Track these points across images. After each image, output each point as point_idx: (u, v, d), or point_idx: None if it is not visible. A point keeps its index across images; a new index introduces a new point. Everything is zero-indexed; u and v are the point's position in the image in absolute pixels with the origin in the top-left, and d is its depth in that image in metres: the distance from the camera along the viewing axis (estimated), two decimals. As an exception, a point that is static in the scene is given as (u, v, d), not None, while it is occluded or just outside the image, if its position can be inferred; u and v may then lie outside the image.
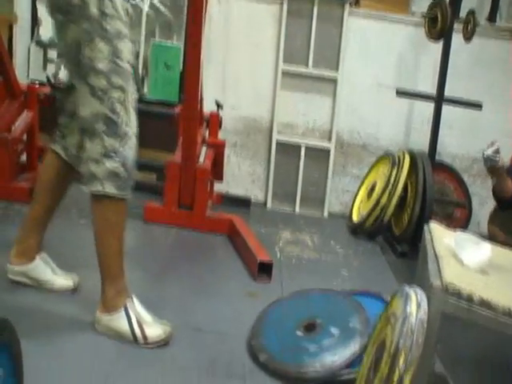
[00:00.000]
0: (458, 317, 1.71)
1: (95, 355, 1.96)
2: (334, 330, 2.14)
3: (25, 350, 1.40)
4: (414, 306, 1.66)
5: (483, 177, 4.33)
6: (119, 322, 2.04)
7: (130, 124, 2.02)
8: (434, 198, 3.69)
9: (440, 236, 2.13)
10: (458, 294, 1.69)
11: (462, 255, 1.92)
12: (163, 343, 2.05)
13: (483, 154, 2.74)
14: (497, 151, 2.71)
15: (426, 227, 2.28)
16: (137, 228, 3.24)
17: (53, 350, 1.95)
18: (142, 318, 2.06)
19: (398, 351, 1.57)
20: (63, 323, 2.12)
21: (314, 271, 3.05)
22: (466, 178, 4.26)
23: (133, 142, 2.04)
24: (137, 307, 2.08)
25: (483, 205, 4.31)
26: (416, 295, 1.70)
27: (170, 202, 3.30)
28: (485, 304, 1.68)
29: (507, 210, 3.01)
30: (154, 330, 2.05)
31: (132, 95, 2.01)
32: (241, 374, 1.99)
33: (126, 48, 1.97)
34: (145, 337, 2.03)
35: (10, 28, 4.78)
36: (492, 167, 2.75)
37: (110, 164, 1.98)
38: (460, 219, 4.16)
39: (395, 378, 1.54)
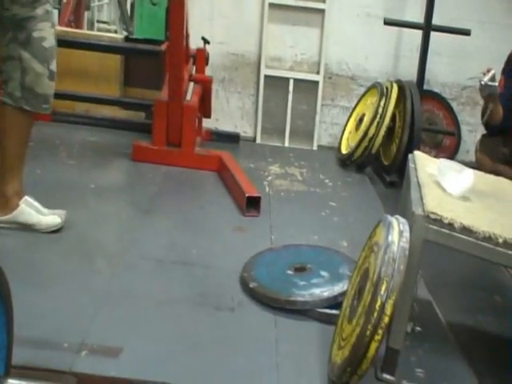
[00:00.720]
0: (439, 244, 1.74)
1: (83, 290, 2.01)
2: (324, 273, 2.18)
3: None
4: (396, 234, 1.69)
5: (472, 105, 4.32)
6: (22, 216, 2.31)
7: None
8: (423, 127, 3.70)
9: (423, 164, 2.15)
10: (439, 221, 1.72)
11: (444, 183, 1.94)
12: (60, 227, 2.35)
13: (480, 82, 2.69)
14: (493, 78, 2.67)
15: (410, 156, 2.29)
16: (125, 166, 3.26)
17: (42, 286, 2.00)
18: (39, 211, 2.34)
19: (380, 279, 1.61)
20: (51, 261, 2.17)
21: (302, 203, 3.08)
22: (455, 106, 4.25)
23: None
24: (33, 202, 2.34)
25: (472, 133, 4.31)
26: (398, 224, 1.73)
27: (157, 140, 3.30)
28: (466, 230, 1.71)
29: (495, 137, 3.01)
30: (52, 218, 2.35)
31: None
32: (229, 305, 2.04)
33: None
34: (46, 224, 2.34)
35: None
36: (491, 94, 2.71)
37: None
38: (449, 147, 4.18)
39: (377, 306, 1.58)
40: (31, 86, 2.23)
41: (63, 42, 3.71)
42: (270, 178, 3.38)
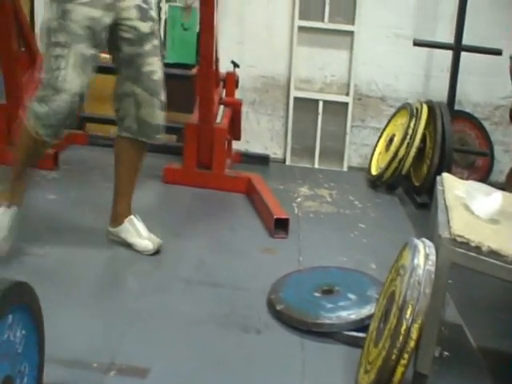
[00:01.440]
0: (466, 267, 1.72)
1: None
2: (352, 296, 2.18)
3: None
4: (422, 257, 1.69)
5: (505, 124, 4.27)
6: (124, 233, 2.52)
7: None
8: (454, 147, 3.67)
9: (452, 186, 2.13)
10: (466, 245, 1.70)
11: (472, 205, 1.92)
12: (153, 252, 2.47)
13: None
14: None
15: (438, 178, 2.28)
16: (157, 189, 3.31)
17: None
18: (139, 233, 2.51)
19: (406, 303, 1.61)
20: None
21: (331, 225, 3.08)
22: (487, 125, 4.20)
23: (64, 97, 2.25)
24: (136, 224, 2.52)
25: (507, 152, 4.27)
26: (424, 247, 1.72)
27: (188, 162, 3.34)
28: (493, 253, 1.69)
29: None
30: (146, 244, 2.48)
31: (78, 55, 2.24)
32: (256, 327, 2.05)
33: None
34: (140, 247, 2.48)
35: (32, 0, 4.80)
36: None
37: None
38: (482, 168, 4.13)
39: (402, 330, 1.58)
40: (145, 119, 2.43)
41: (100, 68, 3.83)
42: (299, 199, 3.39)
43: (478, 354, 2.07)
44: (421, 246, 1.73)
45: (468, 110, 4.17)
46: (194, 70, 3.71)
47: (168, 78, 4.03)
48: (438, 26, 4.13)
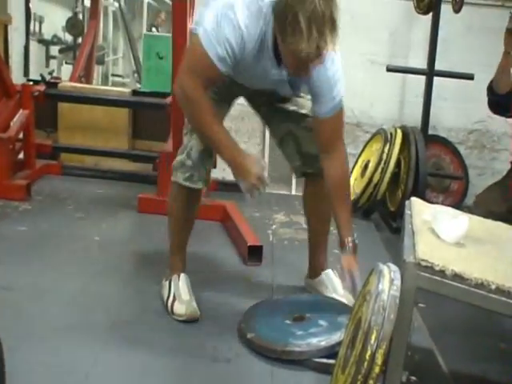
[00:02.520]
0: (432, 291, 1.72)
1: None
2: (322, 322, 2.16)
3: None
4: (387, 282, 1.68)
5: (480, 148, 4.33)
6: (163, 290, 2.33)
7: None
8: (429, 172, 3.70)
9: (419, 211, 2.14)
10: (430, 269, 1.70)
11: (438, 229, 1.92)
12: (183, 319, 2.21)
13: (510, 13, 2.64)
14: None
15: (406, 203, 2.28)
16: (131, 218, 3.29)
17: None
18: (179, 294, 2.25)
19: (370, 328, 1.60)
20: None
21: (305, 252, 3.05)
22: (462, 150, 4.25)
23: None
24: (180, 283, 2.29)
25: (481, 176, 4.31)
26: (389, 271, 1.72)
27: (162, 191, 3.33)
28: (457, 277, 1.68)
29: (496, 112, 2.91)
30: (181, 307, 2.22)
31: None
32: (226, 356, 2.02)
33: None
34: (172, 310, 2.23)
35: (5, 29, 4.84)
36: None
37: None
38: (457, 192, 4.17)
39: (367, 356, 1.57)
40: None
41: (73, 98, 3.86)
42: (274, 226, 3.39)
43: (449, 379, 2.06)
44: (386, 270, 1.72)
45: (443, 134, 4.22)
46: (169, 99, 3.72)
47: (143, 106, 4.10)
48: (412, 53, 4.20)
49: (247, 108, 4.14)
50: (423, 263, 1.70)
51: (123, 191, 3.67)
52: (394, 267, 1.74)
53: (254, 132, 4.23)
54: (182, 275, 2.33)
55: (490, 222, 2.28)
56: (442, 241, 1.89)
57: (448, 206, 3.98)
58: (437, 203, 4.01)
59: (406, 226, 2.05)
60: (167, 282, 2.33)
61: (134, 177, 3.83)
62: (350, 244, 2.27)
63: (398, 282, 1.68)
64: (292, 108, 2.34)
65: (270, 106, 2.37)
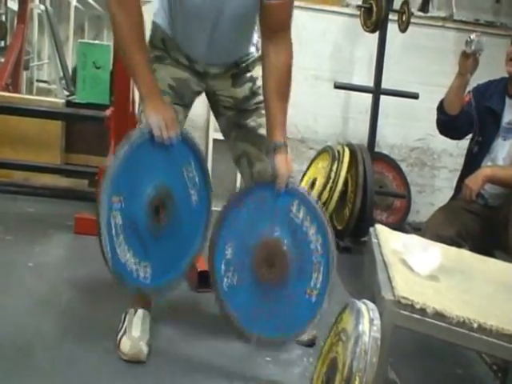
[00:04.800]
0: (411, 329, 1.63)
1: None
2: None
3: None
4: (367, 323, 1.57)
5: (420, 165, 4.35)
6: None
7: None
8: (375, 190, 3.66)
9: (387, 240, 2.06)
10: (410, 307, 1.61)
11: (410, 261, 1.85)
12: (126, 359, 1.99)
13: (468, 39, 2.59)
14: (480, 40, 2.58)
15: (371, 230, 2.20)
16: (67, 240, 3.05)
17: None
18: (130, 329, 2.04)
19: (352, 374, 1.48)
20: None
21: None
22: (403, 167, 4.25)
23: None
24: (134, 319, 2.07)
25: (421, 193, 4.32)
26: (368, 310, 1.61)
27: (102, 210, 3.11)
28: (438, 315, 1.61)
29: (445, 132, 2.91)
30: (125, 344, 2.00)
31: None
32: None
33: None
34: (118, 346, 2.02)
35: None
36: (476, 51, 2.59)
37: None
38: (400, 209, 4.16)
39: (352, 404, 1.45)
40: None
41: (1, 109, 3.57)
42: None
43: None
44: (364, 309, 1.61)
45: (385, 151, 4.20)
46: (108, 111, 3.50)
47: (79, 119, 3.86)
48: (355, 70, 4.16)
49: (190, 122, 4.06)
50: (403, 301, 1.62)
51: (57, 209, 3.42)
52: (371, 305, 1.64)
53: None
54: (140, 311, 2.10)
55: (453, 250, 2.23)
56: (416, 274, 1.82)
57: (391, 223, 4.04)
58: (381, 221, 4.00)
59: (377, 256, 1.96)
60: (123, 315, 2.12)
61: (69, 193, 3.59)
62: (283, 144, 2.00)
63: (378, 322, 1.57)
64: (252, 125, 2.20)
65: (231, 118, 2.23)
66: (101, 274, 2.66)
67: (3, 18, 6.19)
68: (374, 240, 2.09)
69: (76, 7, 8.52)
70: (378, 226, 2.21)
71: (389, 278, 1.75)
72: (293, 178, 2.00)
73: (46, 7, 7.23)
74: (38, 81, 7.34)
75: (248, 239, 1.95)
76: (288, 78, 2.03)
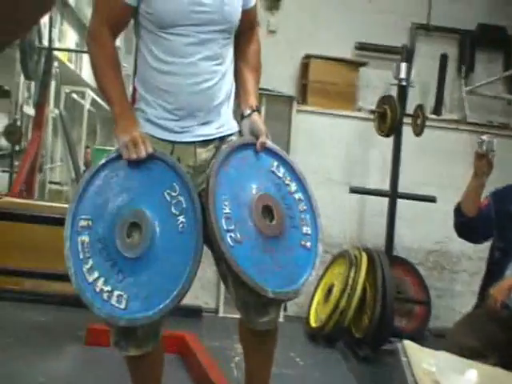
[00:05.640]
0: None
1: None
2: None
3: None
4: None
5: (439, 269, 4.24)
6: None
7: None
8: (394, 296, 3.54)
9: (418, 359, 1.93)
10: None
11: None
12: None
13: (479, 140, 2.57)
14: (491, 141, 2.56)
15: (399, 346, 2.08)
16: (79, 353, 2.94)
17: None
18: None
19: None
20: None
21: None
22: (421, 270, 4.14)
23: None
24: None
25: (441, 298, 4.20)
26: None
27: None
28: None
29: (463, 235, 2.84)
30: None
31: None
32: None
33: None
34: None
35: None
36: (488, 151, 2.55)
37: None
38: (420, 315, 4.00)
39: None
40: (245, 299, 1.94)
41: (15, 216, 3.54)
42: (237, 358, 3.10)
43: None
44: None
45: (402, 255, 4.11)
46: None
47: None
48: (369, 172, 4.16)
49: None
50: (443, 432, 1.49)
51: (68, 318, 3.31)
52: None
53: (208, 252, 4.00)
54: None
55: (488, 368, 2.10)
56: (453, 399, 1.70)
57: (411, 330, 3.89)
58: (400, 328, 3.86)
59: (408, 377, 1.84)
60: None
61: (79, 301, 3.47)
62: (257, 109, 1.97)
63: None
64: None
65: None
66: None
67: (18, 122, 6.33)
68: (404, 358, 1.97)
69: (89, 110, 8.76)
70: (406, 343, 2.09)
71: (424, 404, 1.63)
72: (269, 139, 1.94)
73: (61, 111, 7.42)
74: (50, 182, 7.41)
75: (242, 195, 1.85)
76: (259, 60, 2.08)
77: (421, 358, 1.96)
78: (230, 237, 1.77)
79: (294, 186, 1.94)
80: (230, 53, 1.95)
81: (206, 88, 1.87)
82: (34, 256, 3.62)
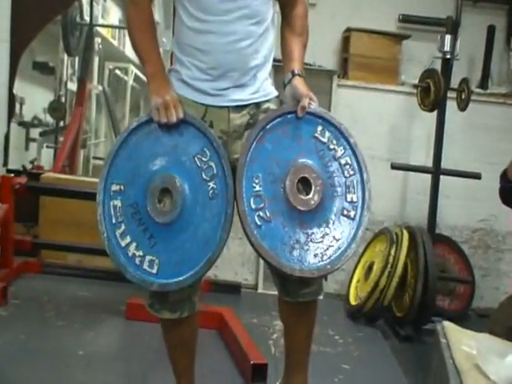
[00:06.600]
0: None
1: None
2: None
3: None
4: None
5: (484, 248, 4.14)
6: None
7: None
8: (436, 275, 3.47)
9: (457, 341, 1.89)
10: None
11: (486, 369, 1.68)
12: None
13: None
14: None
15: (438, 328, 2.03)
16: (119, 327, 2.98)
17: None
18: None
19: None
20: None
21: (312, 367, 2.75)
22: (466, 249, 4.05)
23: None
24: None
25: (485, 277, 4.10)
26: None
27: (153, 296, 3.03)
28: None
29: (507, 201, 2.71)
30: None
31: None
32: None
33: None
34: None
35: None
36: None
37: None
38: (463, 295, 3.92)
39: None
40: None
41: (57, 191, 3.59)
42: (275, 335, 3.10)
43: None
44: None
45: (446, 233, 4.03)
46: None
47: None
48: (412, 148, 4.07)
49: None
50: (481, 417, 1.45)
51: (109, 294, 3.36)
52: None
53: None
54: None
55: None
56: (493, 383, 1.65)
57: (454, 310, 3.81)
58: (443, 307, 3.79)
59: (447, 360, 1.79)
60: None
61: (122, 276, 3.52)
62: (301, 73, 1.90)
63: None
64: None
65: None
66: (155, 364, 2.59)
67: (62, 99, 6.38)
68: (443, 340, 1.93)
69: (132, 86, 8.77)
70: (446, 324, 2.05)
71: (463, 387, 1.59)
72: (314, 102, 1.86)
73: (104, 88, 7.47)
74: (94, 158, 7.49)
75: (277, 170, 1.79)
76: (304, 23, 2.01)
77: (461, 339, 1.91)
78: (258, 215, 1.74)
79: (340, 150, 1.85)
80: (269, 13, 1.89)
81: (240, 48, 1.82)
82: (76, 231, 3.67)
